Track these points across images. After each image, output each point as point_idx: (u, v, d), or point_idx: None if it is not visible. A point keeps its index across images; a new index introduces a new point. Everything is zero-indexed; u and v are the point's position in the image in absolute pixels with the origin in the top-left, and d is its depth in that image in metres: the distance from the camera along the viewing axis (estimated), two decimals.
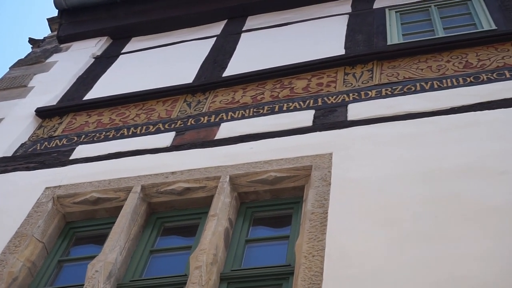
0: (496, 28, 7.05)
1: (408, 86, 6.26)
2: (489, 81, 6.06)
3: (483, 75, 6.17)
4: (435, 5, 8.11)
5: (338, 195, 5.00)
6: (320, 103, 6.37)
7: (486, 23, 7.27)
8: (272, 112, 6.47)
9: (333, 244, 4.53)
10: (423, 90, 6.17)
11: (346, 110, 6.16)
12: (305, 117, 6.21)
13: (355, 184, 5.10)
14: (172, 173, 5.82)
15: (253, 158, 5.75)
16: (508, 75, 6.07)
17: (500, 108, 5.63)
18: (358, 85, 6.50)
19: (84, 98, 7.91)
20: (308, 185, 5.31)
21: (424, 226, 4.52)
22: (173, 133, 6.58)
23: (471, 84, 6.09)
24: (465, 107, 5.75)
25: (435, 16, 7.82)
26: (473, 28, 7.34)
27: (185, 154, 6.16)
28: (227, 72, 7.58)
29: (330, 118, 6.10)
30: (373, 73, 6.67)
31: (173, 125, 6.74)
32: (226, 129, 6.39)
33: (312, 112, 6.26)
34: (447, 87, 6.12)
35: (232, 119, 6.55)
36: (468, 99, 5.85)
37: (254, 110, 6.58)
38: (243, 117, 6.53)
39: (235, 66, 7.70)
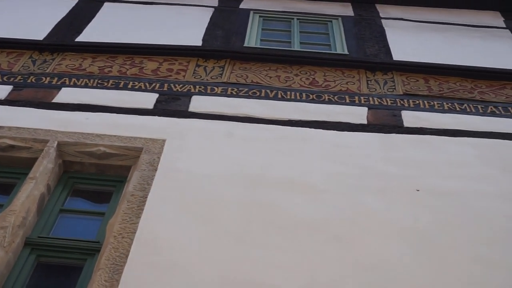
0: (348, 53, 7.32)
1: (254, 91, 6.38)
2: (330, 102, 6.28)
3: (326, 95, 6.39)
4: (298, 19, 8.31)
5: (161, 182, 5.02)
6: (165, 89, 6.36)
7: (340, 46, 7.53)
8: (116, 87, 6.39)
9: (145, 229, 4.54)
10: (267, 97, 6.31)
11: (190, 101, 6.20)
12: (148, 99, 6.19)
13: (181, 175, 5.14)
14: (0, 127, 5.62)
15: (86, 129, 5.66)
16: (348, 100, 6.32)
17: (334, 130, 5.87)
18: (207, 79, 6.55)
19: None
20: (135, 167, 5.29)
21: (237, 228, 4.63)
22: (10, 87, 6.35)
23: (313, 101, 6.29)
24: (302, 122, 5.94)
25: (295, 29, 8.01)
26: (328, 48, 7.58)
27: (18, 110, 5.96)
28: (81, 38, 7.42)
29: (172, 105, 6.11)
30: (224, 70, 6.74)
31: (12, 78, 6.51)
32: (66, 95, 6.25)
33: (156, 96, 6.24)
34: (290, 99, 6.29)
35: (75, 85, 6.41)
36: (307, 115, 6.05)
37: (99, 81, 6.47)
38: (86, 86, 6.40)
39: (90, 34, 7.54)
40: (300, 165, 5.34)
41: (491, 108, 6.38)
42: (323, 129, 5.87)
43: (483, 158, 5.60)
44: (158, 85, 6.42)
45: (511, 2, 8.84)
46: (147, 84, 6.44)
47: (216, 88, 6.40)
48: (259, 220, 4.71)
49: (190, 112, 6.01)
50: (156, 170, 5.15)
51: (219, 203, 4.87)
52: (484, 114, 6.28)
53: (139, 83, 6.46)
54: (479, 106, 6.40)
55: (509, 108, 6.38)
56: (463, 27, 8.38)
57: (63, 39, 7.38)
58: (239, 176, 5.16)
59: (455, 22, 8.46)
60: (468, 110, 6.33)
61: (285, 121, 5.94)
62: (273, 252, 4.44)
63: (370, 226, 4.73)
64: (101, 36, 7.41)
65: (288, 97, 6.34)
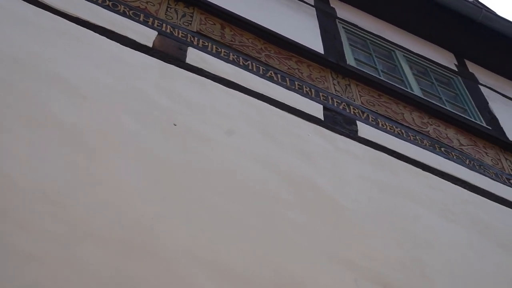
0: None
1: None
2: (124, 14, 6.07)
3: (123, 6, 6.20)
4: None
5: None
6: None
7: None
8: None
9: None
10: None
11: None
12: None
13: None
14: None
15: None
16: (142, 19, 6.19)
17: (118, 42, 5.72)
18: None
19: None
20: None
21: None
22: None
23: (107, 7, 6.06)
24: (89, 24, 5.71)
25: None
26: None
27: None
28: None
29: None
30: None
31: None
32: None
33: None
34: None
35: None
36: (96, 19, 5.81)
37: None
38: None
39: None
40: (71, 66, 5.18)
41: (271, 73, 6.62)
42: (107, 38, 5.72)
43: (246, 115, 5.80)
44: None
45: None
46: None
47: None
48: (13, 109, 4.53)
49: None
50: None
51: None
52: (263, 76, 6.48)
53: None
54: (261, 68, 6.61)
55: (286, 78, 6.66)
56: None
57: None
58: (6, 61, 4.89)
59: None
60: (250, 68, 6.51)
61: (73, 17, 5.71)
62: (17, 144, 4.31)
63: (118, 143, 4.76)
64: None
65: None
